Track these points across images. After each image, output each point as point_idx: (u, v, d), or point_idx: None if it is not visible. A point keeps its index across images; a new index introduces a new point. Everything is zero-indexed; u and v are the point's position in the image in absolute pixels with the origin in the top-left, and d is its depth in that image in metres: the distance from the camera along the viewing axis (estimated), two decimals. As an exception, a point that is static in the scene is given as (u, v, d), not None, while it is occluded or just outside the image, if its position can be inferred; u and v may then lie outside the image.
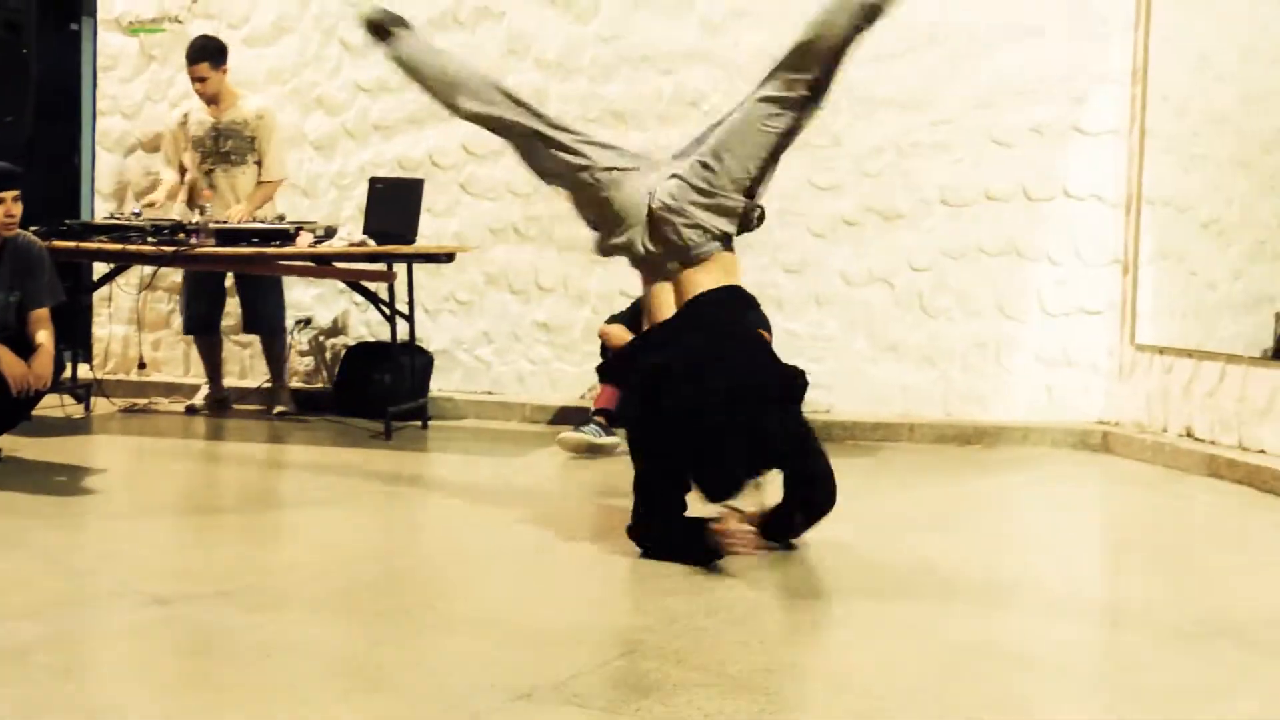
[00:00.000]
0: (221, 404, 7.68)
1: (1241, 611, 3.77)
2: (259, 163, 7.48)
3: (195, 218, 6.94)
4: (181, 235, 6.70)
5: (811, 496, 4.21)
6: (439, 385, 7.75)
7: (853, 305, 7.37)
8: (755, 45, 7.29)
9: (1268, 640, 3.47)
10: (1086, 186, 7.13)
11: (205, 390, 7.72)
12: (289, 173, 7.75)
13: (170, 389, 8.06)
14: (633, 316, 6.93)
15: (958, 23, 7.17)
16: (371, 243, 6.67)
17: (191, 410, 7.62)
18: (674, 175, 4.34)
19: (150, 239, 6.70)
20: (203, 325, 7.65)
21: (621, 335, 6.57)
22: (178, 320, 8.10)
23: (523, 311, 7.78)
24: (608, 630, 3.46)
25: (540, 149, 4.46)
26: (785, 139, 4.32)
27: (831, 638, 3.57)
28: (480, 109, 4.52)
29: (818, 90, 4.26)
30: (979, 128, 7.19)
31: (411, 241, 6.84)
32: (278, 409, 7.49)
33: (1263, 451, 6.05)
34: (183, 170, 7.59)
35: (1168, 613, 3.77)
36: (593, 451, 6.32)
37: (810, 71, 4.22)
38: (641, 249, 4.35)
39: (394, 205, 6.94)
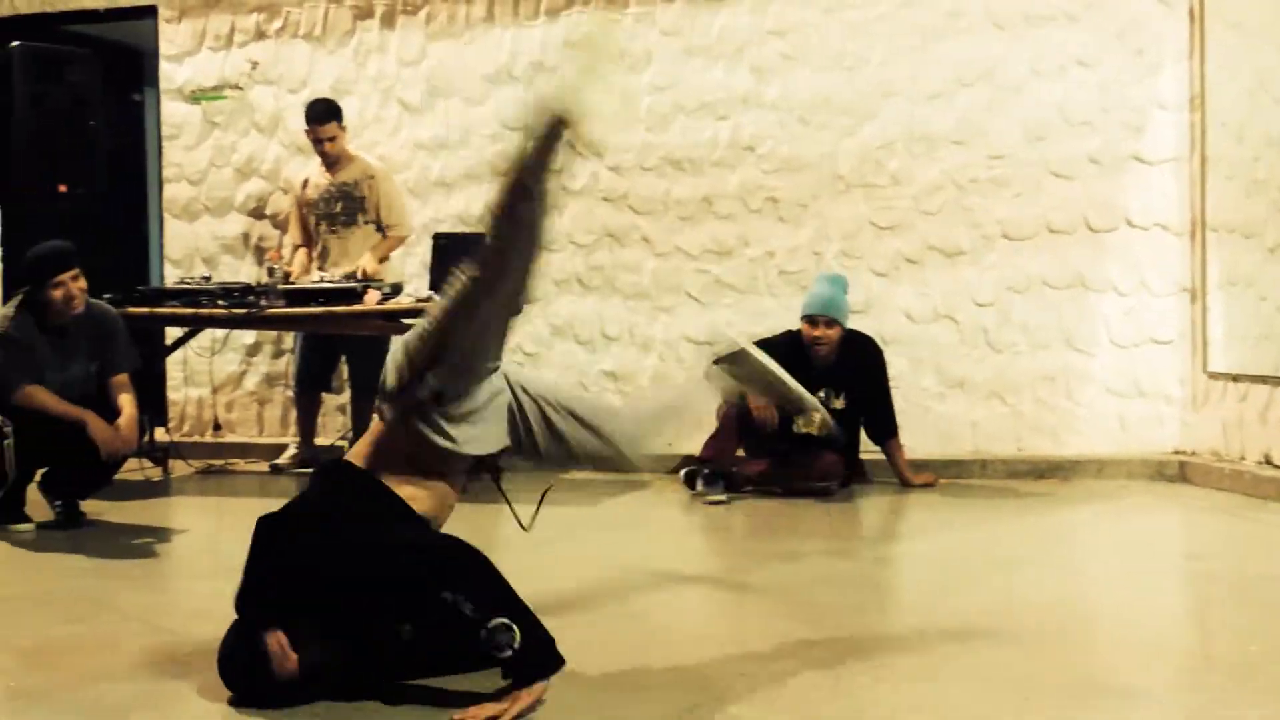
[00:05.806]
0: (308, 464, 7.57)
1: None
2: (371, 222, 7.52)
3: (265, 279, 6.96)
4: (251, 298, 6.71)
5: None
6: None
7: (918, 343, 7.36)
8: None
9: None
10: (1149, 215, 7.11)
11: (293, 450, 7.71)
12: (411, 228, 7.75)
13: (245, 449, 8.16)
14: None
15: (1008, 57, 7.19)
16: (438, 298, 6.70)
17: (276, 469, 7.62)
18: None
19: (220, 302, 6.72)
20: (314, 383, 7.69)
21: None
22: (250, 381, 8.23)
23: (589, 360, 7.82)
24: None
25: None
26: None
27: (917, 683, 3.52)
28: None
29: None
30: (1036, 161, 7.20)
31: (477, 295, 6.88)
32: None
33: (1343, 475, 6.00)
34: (310, 237, 7.65)
35: (1260, 648, 3.68)
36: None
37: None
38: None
39: (460, 260, 6.97)
